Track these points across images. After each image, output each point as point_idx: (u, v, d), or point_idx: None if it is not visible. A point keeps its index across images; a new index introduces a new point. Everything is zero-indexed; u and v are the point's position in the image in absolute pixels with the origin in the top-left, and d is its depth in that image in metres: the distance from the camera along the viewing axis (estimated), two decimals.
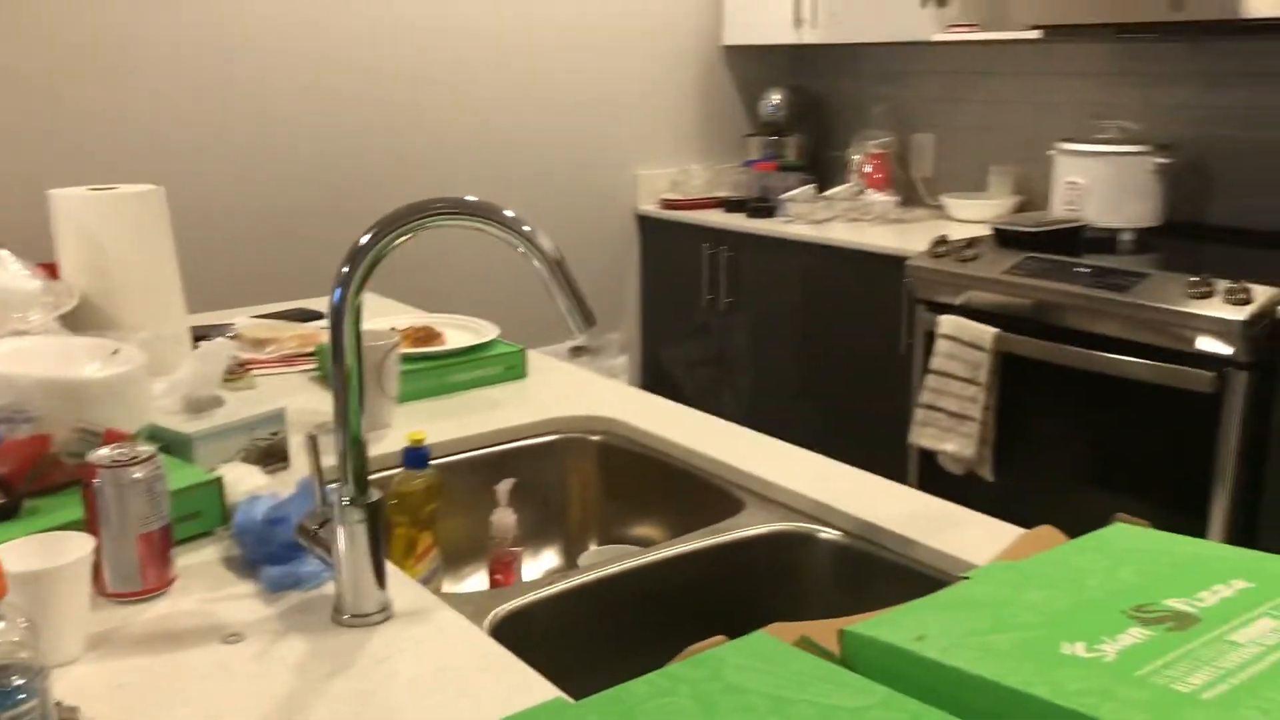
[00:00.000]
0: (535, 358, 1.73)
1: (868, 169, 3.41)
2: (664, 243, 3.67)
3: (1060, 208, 2.80)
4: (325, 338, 1.75)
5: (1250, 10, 2.29)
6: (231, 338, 1.70)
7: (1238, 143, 2.75)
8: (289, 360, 1.71)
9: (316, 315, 2.01)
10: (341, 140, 3.12)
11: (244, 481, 1.12)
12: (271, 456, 1.26)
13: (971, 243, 2.70)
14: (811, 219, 3.29)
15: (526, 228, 0.93)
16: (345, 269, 0.91)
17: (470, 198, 0.92)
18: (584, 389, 1.60)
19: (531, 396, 1.56)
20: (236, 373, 1.51)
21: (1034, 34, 2.79)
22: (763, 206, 3.42)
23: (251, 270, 3.03)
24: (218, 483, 1.10)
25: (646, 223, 3.72)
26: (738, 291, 3.41)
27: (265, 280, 3.06)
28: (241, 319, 1.90)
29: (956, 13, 3.16)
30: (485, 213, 0.91)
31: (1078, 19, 2.64)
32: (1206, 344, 2.19)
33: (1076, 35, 2.89)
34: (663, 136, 3.75)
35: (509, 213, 0.92)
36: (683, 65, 3.74)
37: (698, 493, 1.35)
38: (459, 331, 1.73)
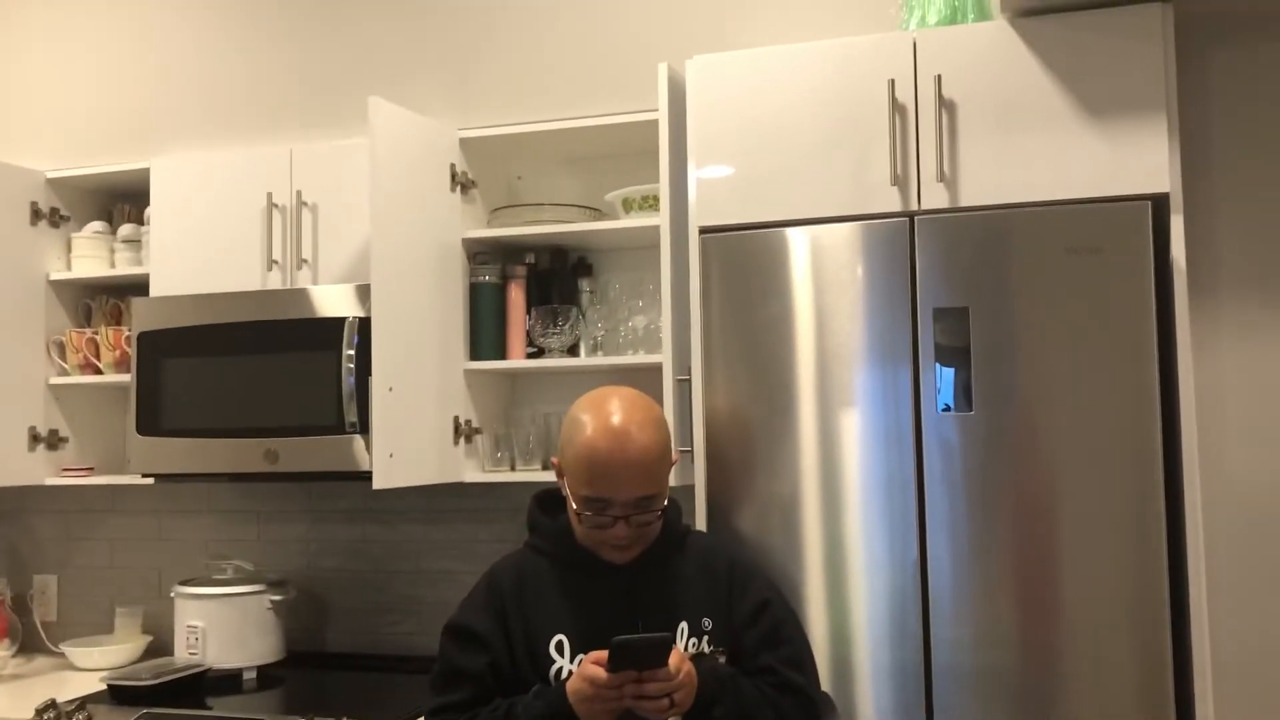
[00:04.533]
0: None
1: None
2: None
3: (184, 651, 2.76)
4: None
5: (340, 465, 2.59)
6: None
7: (343, 573, 3.01)
8: None
9: None
10: None
11: None
12: None
13: (83, 703, 2.51)
14: None
15: None
16: None
17: None
18: None
19: None
20: None
21: (148, 480, 2.83)
22: None
23: None
24: None
25: None
26: None
27: None
28: None
29: (72, 456, 3.09)
30: None
31: (188, 469, 2.75)
32: None
33: (190, 478, 2.98)
34: None
35: None
36: None
37: None
38: None
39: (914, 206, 2.10)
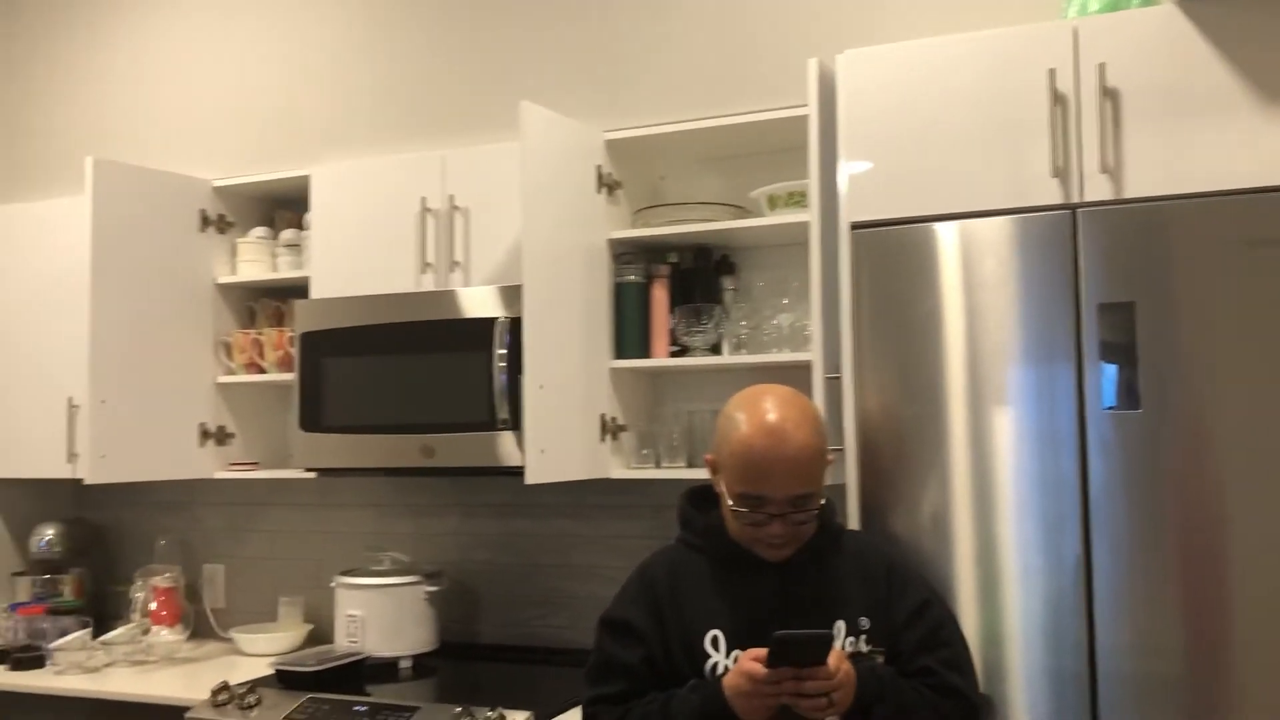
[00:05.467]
0: None
1: (153, 605, 3.24)
2: None
3: (344, 639, 2.87)
4: None
5: (493, 460, 2.66)
6: None
7: (493, 565, 3.09)
8: None
9: None
10: None
11: None
12: None
13: (254, 687, 2.64)
14: (86, 667, 3.00)
15: None
16: None
17: None
18: None
19: None
20: None
21: (311, 474, 2.95)
22: (28, 657, 3.06)
23: None
24: None
25: None
26: None
27: None
28: None
29: (238, 451, 3.25)
30: None
31: (348, 464, 2.85)
32: None
33: (351, 473, 3.09)
34: None
35: None
36: None
37: None
38: None
39: (1076, 199, 2.04)
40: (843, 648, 1.86)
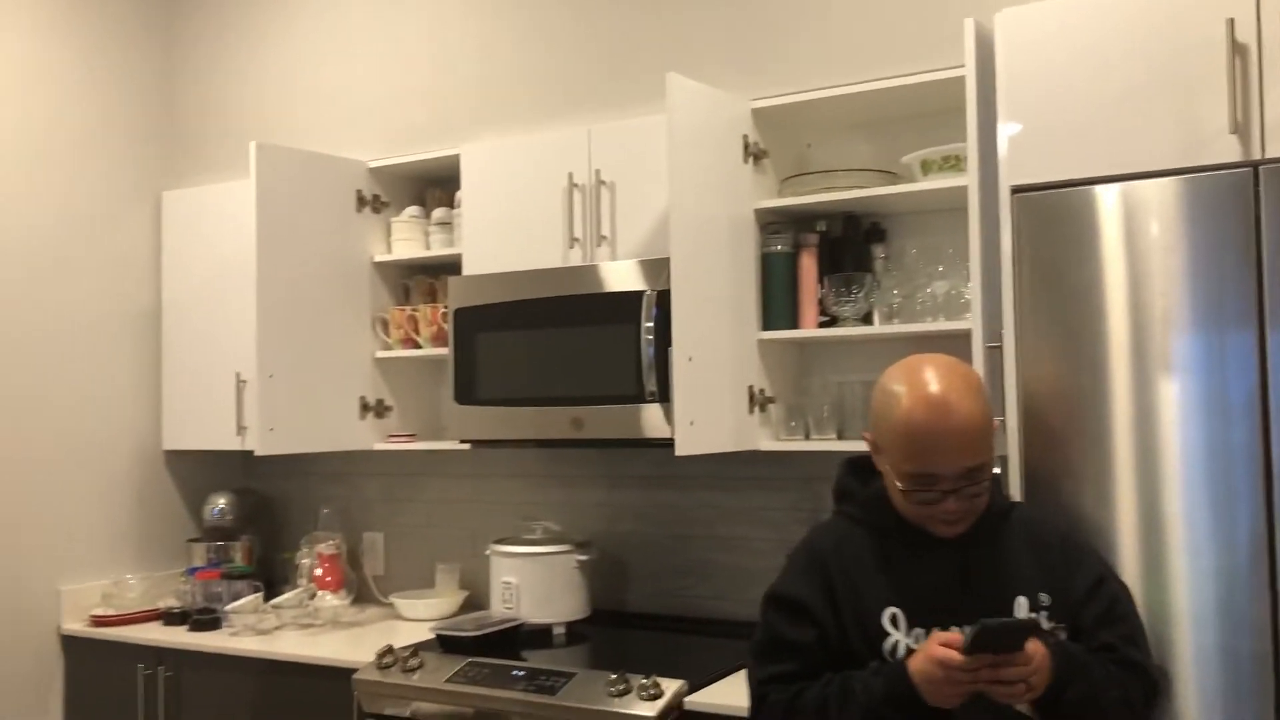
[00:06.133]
0: None
1: (318, 571, 3.39)
2: (93, 665, 3.31)
3: (499, 606, 2.95)
4: None
5: (641, 432, 2.69)
6: None
7: (640, 536, 3.12)
8: None
9: None
10: None
11: None
12: None
13: (416, 650, 2.73)
14: (258, 629, 3.16)
15: None
16: None
17: None
18: None
19: None
20: None
21: (465, 446, 3.03)
22: (206, 619, 3.24)
23: None
24: None
25: (72, 644, 3.34)
26: (178, 716, 3.13)
27: None
28: None
29: (396, 423, 3.36)
30: None
31: (501, 435, 2.92)
32: None
33: (504, 444, 3.16)
34: (94, 546, 3.47)
35: None
36: (117, 470, 3.56)
37: None
38: None
39: (1258, 155, 1.93)
40: None
